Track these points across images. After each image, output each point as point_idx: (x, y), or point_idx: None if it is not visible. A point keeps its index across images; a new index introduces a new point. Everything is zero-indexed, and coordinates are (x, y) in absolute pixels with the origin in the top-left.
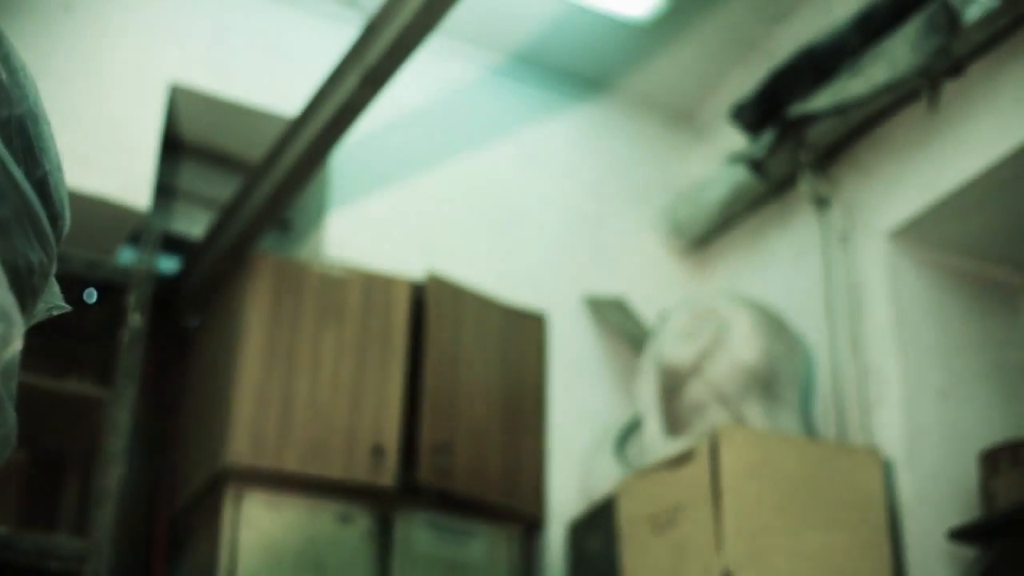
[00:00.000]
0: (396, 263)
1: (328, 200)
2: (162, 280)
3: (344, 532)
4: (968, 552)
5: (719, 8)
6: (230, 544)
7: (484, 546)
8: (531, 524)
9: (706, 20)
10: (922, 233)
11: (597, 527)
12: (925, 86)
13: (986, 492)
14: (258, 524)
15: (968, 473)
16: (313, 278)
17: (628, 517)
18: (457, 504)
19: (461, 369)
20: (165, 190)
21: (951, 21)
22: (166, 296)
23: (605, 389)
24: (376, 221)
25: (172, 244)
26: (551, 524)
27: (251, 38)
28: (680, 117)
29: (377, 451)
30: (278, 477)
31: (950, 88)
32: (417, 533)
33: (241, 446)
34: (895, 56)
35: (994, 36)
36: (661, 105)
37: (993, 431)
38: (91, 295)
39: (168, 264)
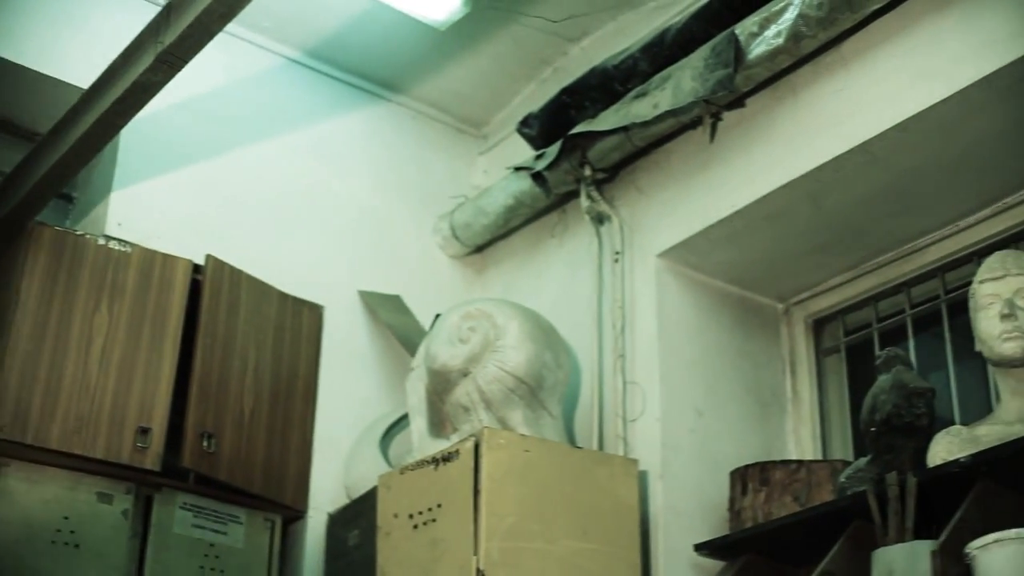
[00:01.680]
0: (177, 246)
1: (113, 177)
2: None
3: (103, 510)
4: (714, 564)
5: (515, 22)
6: None
7: (243, 532)
8: (292, 513)
9: (502, 32)
10: (691, 256)
11: (357, 520)
12: (706, 115)
13: (734, 508)
14: (16, 498)
15: (720, 489)
16: (91, 253)
17: (388, 512)
18: (219, 490)
19: (234, 354)
20: None
21: (736, 55)
22: None
23: (376, 385)
24: (160, 202)
25: None
26: (313, 515)
27: (47, 4)
28: (470, 125)
29: (143, 432)
30: (40, 452)
31: (729, 119)
32: (176, 516)
33: (4, 419)
34: (680, 83)
35: (776, 74)
36: (453, 111)
37: (745, 450)
38: None
39: None
